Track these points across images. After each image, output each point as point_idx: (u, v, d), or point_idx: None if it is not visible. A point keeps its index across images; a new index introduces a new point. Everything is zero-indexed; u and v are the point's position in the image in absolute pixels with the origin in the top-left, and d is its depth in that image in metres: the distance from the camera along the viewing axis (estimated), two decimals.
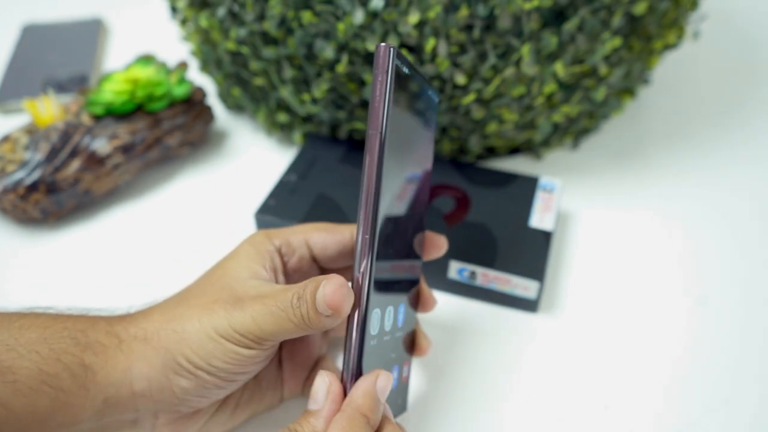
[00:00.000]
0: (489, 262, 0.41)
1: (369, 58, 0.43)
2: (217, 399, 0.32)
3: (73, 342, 0.29)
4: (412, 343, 0.35)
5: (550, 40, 0.42)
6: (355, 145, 0.51)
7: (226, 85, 0.54)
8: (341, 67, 0.44)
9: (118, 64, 0.66)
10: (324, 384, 0.28)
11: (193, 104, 0.53)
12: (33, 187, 0.46)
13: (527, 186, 0.46)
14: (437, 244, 0.35)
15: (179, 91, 0.51)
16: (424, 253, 0.35)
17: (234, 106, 0.59)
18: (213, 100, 0.61)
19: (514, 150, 0.54)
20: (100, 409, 0.29)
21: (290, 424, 0.28)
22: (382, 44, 0.28)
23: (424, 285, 0.36)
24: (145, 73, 0.51)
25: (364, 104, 0.47)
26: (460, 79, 0.43)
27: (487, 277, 0.42)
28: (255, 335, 0.29)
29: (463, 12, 0.40)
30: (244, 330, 0.29)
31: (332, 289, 0.27)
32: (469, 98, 0.44)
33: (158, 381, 0.30)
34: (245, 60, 0.49)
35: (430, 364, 0.40)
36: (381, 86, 0.28)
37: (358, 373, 0.28)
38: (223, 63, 0.52)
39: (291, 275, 0.34)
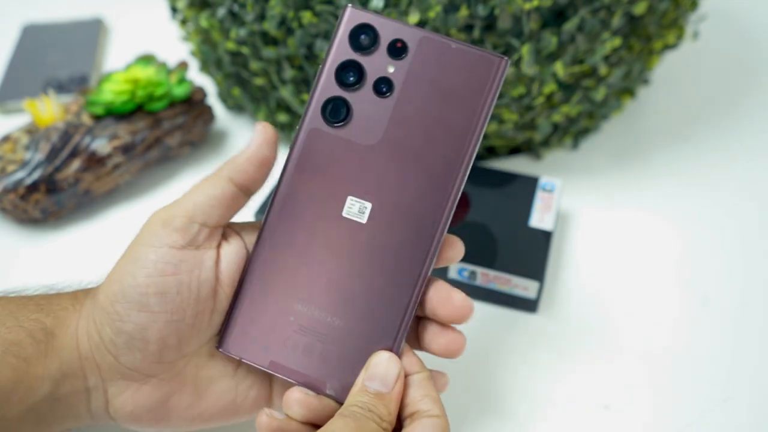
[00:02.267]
0: (489, 262, 0.41)
1: None
2: (149, 350, 0.29)
3: (36, 308, 0.29)
4: None
5: (550, 40, 0.42)
6: None
7: (226, 85, 0.54)
8: None
9: (119, 64, 0.66)
10: (395, 367, 0.29)
11: (194, 104, 0.53)
12: (33, 187, 0.47)
13: (527, 186, 0.46)
14: None
15: (179, 91, 0.51)
16: None
17: (234, 106, 0.59)
18: (213, 100, 0.61)
19: (514, 150, 0.54)
20: (56, 378, 0.29)
21: (360, 403, 0.28)
22: (500, 57, 0.30)
23: None
24: (145, 73, 0.51)
25: None
26: None
27: (487, 276, 0.42)
28: (188, 211, 0.29)
29: (463, 12, 0.40)
30: (177, 209, 0.30)
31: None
32: None
33: (94, 337, 0.29)
34: (245, 60, 0.49)
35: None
36: (489, 104, 0.30)
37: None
38: (223, 63, 0.52)
39: None
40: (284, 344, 0.31)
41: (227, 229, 0.32)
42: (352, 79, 0.30)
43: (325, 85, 0.31)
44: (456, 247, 0.32)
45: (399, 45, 0.30)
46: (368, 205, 0.30)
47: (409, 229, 0.30)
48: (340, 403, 0.30)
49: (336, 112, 0.30)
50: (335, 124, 0.31)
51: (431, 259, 0.30)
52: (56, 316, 0.30)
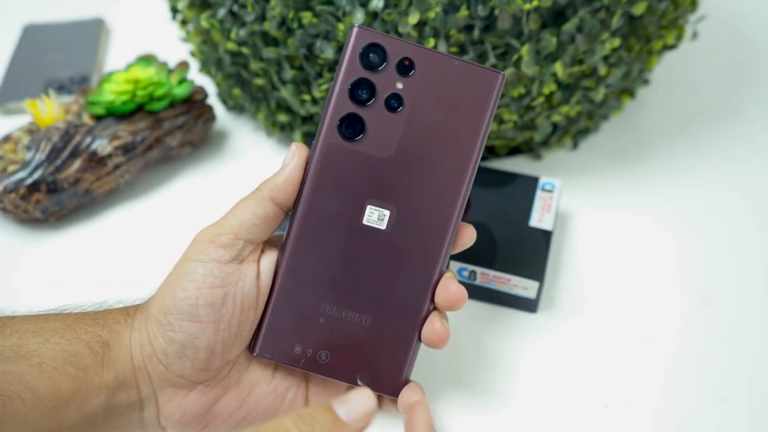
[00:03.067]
0: (489, 261, 0.42)
1: None
2: (198, 357, 0.31)
3: (92, 321, 0.31)
4: None
5: (550, 41, 0.42)
6: None
7: (227, 85, 0.54)
8: None
9: (119, 64, 0.66)
10: (368, 405, 0.26)
11: (194, 104, 0.53)
12: (34, 187, 0.47)
13: (527, 186, 0.47)
14: None
15: (180, 91, 0.51)
16: None
17: (234, 107, 0.59)
18: (213, 101, 0.61)
19: (514, 150, 0.54)
20: (112, 388, 0.30)
21: (312, 413, 0.25)
22: (498, 72, 0.32)
23: None
24: (145, 73, 0.51)
25: None
26: None
27: (487, 276, 0.42)
28: (234, 228, 0.31)
29: (463, 12, 0.40)
30: (224, 227, 0.32)
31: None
32: None
33: (146, 348, 0.31)
34: (246, 60, 0.49)
35: (429, 364, 0.40)
36: (490, 114, 0.32)
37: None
38: (223, 63, 0.52)
39: None
40: (315, 343, 0.33)
41: (264, 244, 0.34)
42: (364, 96, 0.32)
43: (339, 102, 0.32)
44: (468, 234, 0.34)
45: (407, 63, 0.32)
46: (386, 213, 0.32)
47: (425, 232, 0.32)
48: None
49: (351, 127, 0.32)
50: (351, 139, 0.32)
51: (446, 255, 0.32)
52: (111, 329, 0.31)
